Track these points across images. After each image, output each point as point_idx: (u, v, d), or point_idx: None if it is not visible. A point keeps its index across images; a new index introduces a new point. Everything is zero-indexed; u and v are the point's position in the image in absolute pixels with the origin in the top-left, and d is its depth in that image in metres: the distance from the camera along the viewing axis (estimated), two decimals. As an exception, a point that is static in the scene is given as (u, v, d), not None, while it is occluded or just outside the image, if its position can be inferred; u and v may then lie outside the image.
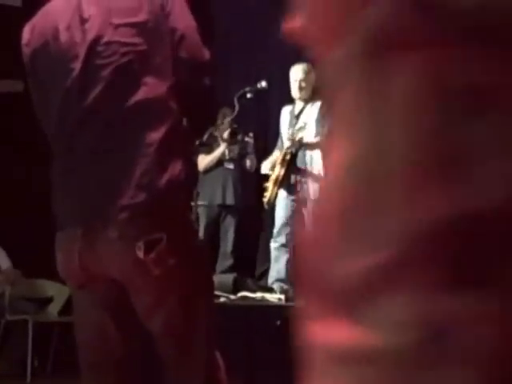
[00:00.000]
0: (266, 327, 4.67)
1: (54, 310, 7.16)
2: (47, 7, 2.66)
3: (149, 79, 2.48)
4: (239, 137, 7.09)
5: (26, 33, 2.64)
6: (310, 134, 6.64)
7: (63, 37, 2.54)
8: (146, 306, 2.49)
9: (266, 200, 6.87)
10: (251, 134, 6.99)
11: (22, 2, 7.42)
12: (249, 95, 6.70)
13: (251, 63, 8.37)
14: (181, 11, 2.56)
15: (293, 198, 6.81)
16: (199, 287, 2.55)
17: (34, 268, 6.69)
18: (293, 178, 6.78)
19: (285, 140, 6.89)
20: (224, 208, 7.65)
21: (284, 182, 6.80)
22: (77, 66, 2.50)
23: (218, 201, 7.60)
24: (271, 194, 6.83)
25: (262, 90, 6.86)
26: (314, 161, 6.65)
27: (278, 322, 4.57)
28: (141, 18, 2.49)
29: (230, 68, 8.43)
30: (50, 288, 7.10)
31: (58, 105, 2.54)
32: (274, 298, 5.89)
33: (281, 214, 6.93)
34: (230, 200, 7.65)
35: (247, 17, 8.51)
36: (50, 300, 7.20)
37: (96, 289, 2.54)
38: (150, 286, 2.45)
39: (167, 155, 2.46)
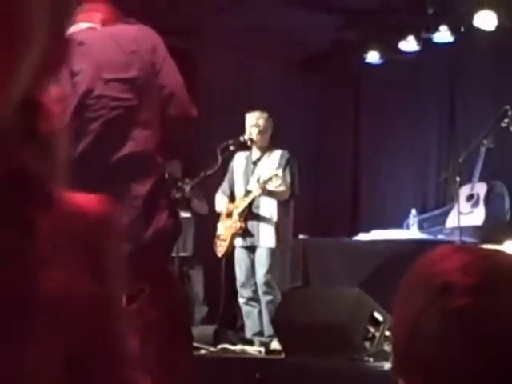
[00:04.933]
0: (245, 380, 4.65)
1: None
2: None
3: (137, 133, 2.52)
4: (179, 183, 6.89)
5: None
6: (273, 183, 6.73)
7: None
8: (125, 357, 2.49)
9: (221, 252, 6.84)
10: (187, 180, 6.84)
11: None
12: (232, 147, 6.73)
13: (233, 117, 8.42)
14: (170, 69, 2.61)
15: (247, 245, 6.83)
16: (179, 339, 2.56)
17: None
18: (248, 224, 6.83)
19: (240, 186, 6.95)
20: (185, 258, 7.53)
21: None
22: (66, 118, 2.52)
23: (179, 252, 7.35)
24: (229, 247, 6.82)
25: (245, 142, 6.89)
26: (264, 205, 6.77)
27: (258, 375, 4.56)
28: (131, 74, 2.53)
29: (213, 121, 8.49)
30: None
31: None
32: (254, 350, 5.87)
33: (239, 269, 6.90)
34: (189, 251, 7.56)
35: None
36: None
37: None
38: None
39: (153, 208, 2.49)
